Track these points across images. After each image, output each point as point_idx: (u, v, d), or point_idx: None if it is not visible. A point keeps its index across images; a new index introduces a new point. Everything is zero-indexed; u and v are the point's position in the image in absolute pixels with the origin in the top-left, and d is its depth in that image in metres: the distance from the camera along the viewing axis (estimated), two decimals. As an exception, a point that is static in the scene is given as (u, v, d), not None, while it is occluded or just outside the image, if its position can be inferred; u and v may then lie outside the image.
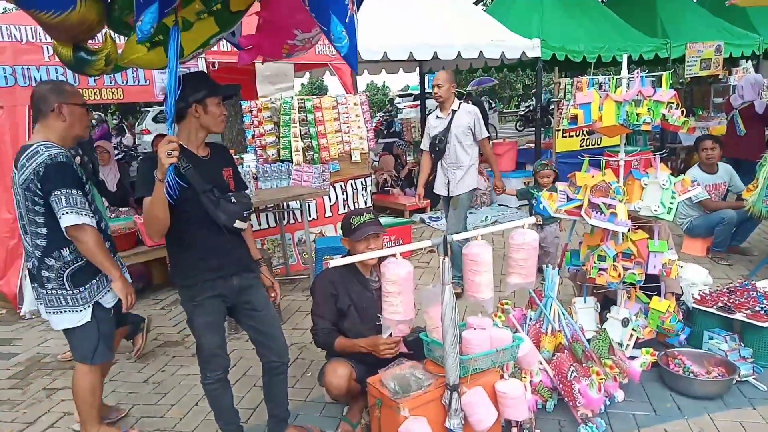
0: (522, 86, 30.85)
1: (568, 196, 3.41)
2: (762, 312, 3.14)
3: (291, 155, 5.19)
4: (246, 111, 5.12)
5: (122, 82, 4.90)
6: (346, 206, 5.67)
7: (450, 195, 4.63)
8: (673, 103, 3.09)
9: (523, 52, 7.08)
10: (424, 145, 4.77)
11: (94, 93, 4.84)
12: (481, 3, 14.75)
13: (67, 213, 2.37)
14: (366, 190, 5.80)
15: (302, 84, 32.90)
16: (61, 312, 2.53)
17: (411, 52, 6.47)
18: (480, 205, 7.97)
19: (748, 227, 5.10)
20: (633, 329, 3.18)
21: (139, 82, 4.97)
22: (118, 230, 4.90)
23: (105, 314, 2.62)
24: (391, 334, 2.51)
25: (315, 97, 5.61)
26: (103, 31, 2.20)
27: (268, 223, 5.18)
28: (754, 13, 9.42)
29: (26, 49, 4.50)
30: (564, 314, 3.06)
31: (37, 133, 2.51)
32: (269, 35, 2.59)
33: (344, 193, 5.67)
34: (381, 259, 2.46)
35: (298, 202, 5.01)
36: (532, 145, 8.06)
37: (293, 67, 6.02)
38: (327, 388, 2.72)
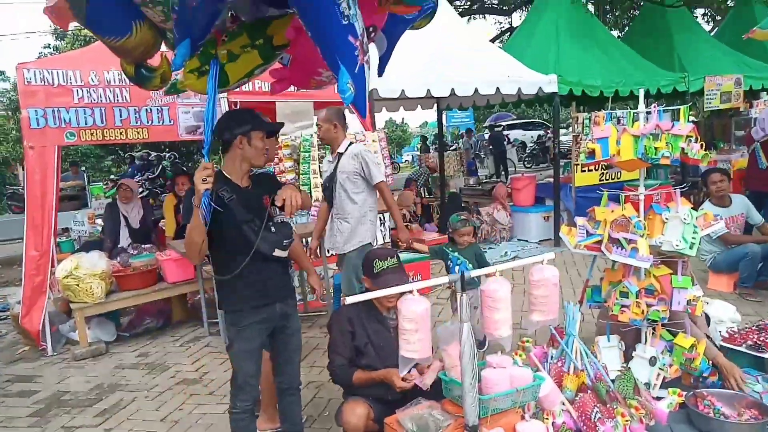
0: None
1: (587, 231, 3.37)
2: (795, 351, 3.02)
3: (311, 191, 5.25)
4: (266, 149, 5.23)
5: (147, 122, 5.04)
6: (365, 242, 5.66)
7: (338, 252, 4.04)
8: (692, 136, 3.07)
9: (540, 88, 7.13)
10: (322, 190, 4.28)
11: (121, 133, 4.98)
12: (498, 40, 15.00)
13: None
14: (384, 225, 5.80)
15: (322, 121, 33.52)
16: None
17: (428, 89, 6.56)
18: (500, 240, 7.92)
19: (774, 262, 4.95)
20: (660, 368, 3.08)
21: (163, 122, 5.12)
22: (140, 267, 4.98)
23: None
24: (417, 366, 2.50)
25: (334, 134, 5.69)
26: (162, 53, 2.39)
27: (287, 259, 5.20)
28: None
29: (57, 92, 4.68)
30: (587, 353, 2.98)
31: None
32: (298, 70, 2.71)
33: (363, 228, 5.67)
34: (398, 296, 2.44)
35: (316, 238, 5.02)
36: (551, 180, 8.03)
37: (313, 105, 6.14)
38: (344, 427, 2.67)
